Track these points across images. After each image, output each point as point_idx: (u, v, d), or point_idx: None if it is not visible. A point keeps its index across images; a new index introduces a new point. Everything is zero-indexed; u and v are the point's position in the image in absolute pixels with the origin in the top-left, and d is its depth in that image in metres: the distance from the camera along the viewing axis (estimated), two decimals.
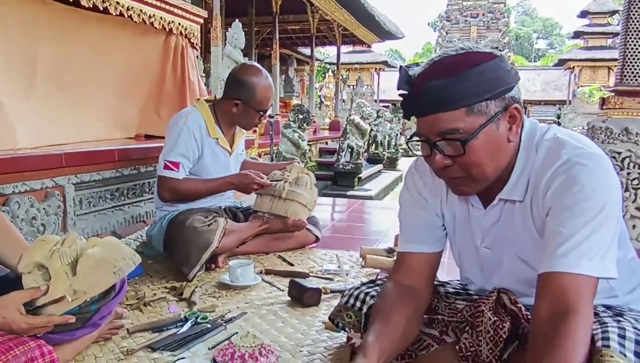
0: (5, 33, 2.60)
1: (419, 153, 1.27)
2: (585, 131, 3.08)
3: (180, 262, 2.39)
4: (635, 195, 2.59)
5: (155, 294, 2.16)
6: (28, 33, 2.74)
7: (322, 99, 20.48)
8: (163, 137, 2.72)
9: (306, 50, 18.71)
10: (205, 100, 2.78)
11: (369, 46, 22.49)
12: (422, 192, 1.42)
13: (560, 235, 1.09)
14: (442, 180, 1.30)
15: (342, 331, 1.67)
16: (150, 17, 3.32)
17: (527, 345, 1.23)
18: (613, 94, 2.91)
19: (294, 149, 7.78)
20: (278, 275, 2.44)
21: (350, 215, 4.39)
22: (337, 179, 9.52)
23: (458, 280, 1.59)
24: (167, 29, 3.57)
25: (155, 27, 3.42)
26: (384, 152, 12.65)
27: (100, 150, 2.83)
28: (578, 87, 24.90)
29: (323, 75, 26.63)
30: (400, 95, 1.23)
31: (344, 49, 20.46)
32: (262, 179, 2.66)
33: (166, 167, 2.54)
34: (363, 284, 1.58)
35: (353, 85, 19.67)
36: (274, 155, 7.32)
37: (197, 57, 4.12)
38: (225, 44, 5.67)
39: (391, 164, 13.30)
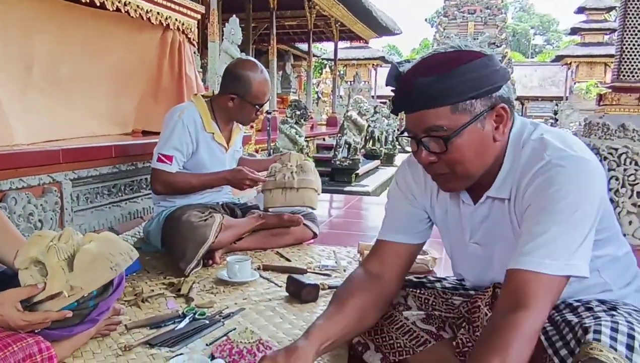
0: (2, 29, 2.59)
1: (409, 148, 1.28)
2: (582, 127, 3.09)
3: (177, 257, 2.38)
4: (632, 191, 2.60)
5: (153, 290, 2.16)
6: (24, 29, 2.73)
7: (320, 95, 20.46)
8: (159, 133, 2.72)
9: (303, 46, 18.68)
10: (203, 96, 2.77)
11: (367, 42, 22.47)
12: (411, 186, 1.44)
13: (530, 233, 1.11)
14: None
15: None
16: (147, 12, 3.31)
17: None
18: (610, 90, 2.91)
19: (291, 144, 7.77)
20: (276, 271, 2.44)
21: (348, 211, 4.40)
22: (334, 175, 9.52)
23: (454, 276, 1.60)
24: (164, 25, 3.56)
25: (152, 23, 3.42)
26: (381, 148, 12.66)
27: (98, 146, 2.83)
28: (575, 83, 24.95)
29: (320, 71, 26.58)
30: (392, 90, 1.25)
31: (342, 44, 20.41)
32: (256, 175, 2.66)
33: (159, 160, 2.55)
34: None
35: (350, 81, 19.68)
36: (271, 151, 7.32)
37: (194, 52, 4.12)
38: (223, 39, 5.66)
39: (388, 159, 13.32)
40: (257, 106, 2.66)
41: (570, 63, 26.47)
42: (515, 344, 1.02)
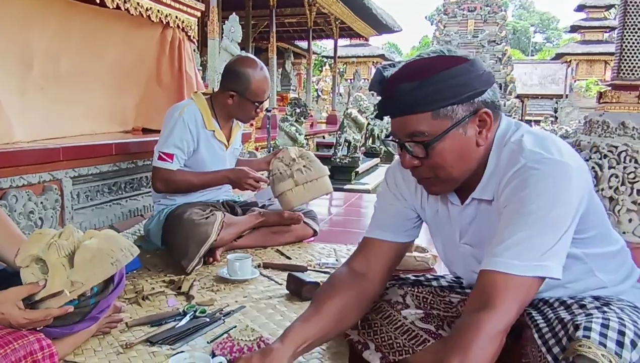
0: (1, 27, 2.58)
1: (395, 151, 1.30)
2: (582, 125, 3.09)
3: (179, 255, 2.39)
4: (632, 189, 2.60)
5: (153, 288, 2.16)
6: (24, 26, 2.73)
7: (319, 93, 20.43)
8: (160, 131, 2.72)
9: (303, 44, 18.65)
10: (203, 94, 2.77)
11: (367, 40, 22.41)
12: (400, 187, 1.44)
13: (501, 235, 1.12)
14: None
15: None
16: (147, 9, 3.31)
17: (521, 337, 1.25)
18: (610, 87, 2.91)
19: (291, 142, 7.77)
20: (276, 268, 2.44)
21: (348, 209, 4.40)
22: (334, 173, 9.49)
23: (451, 275, 1.61)
24: (164, 22, 3.55)
25: (152, 20, 3.41)
26: (381, 146, 12.65)
27: (98, 144, 2.83)
28: (575, 81, 24.96)
29: (320, 68, 26.56)
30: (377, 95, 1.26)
31: (341, 42, 20.39)
32: (257, 175, 2.66)
33: (160, 158, 2.54)
34: None
35: (350, 79, 19.63)
36: (271, 149, 7.32)
37: (194, 50, 4.12)
38: (222, 37, 5.65)
39: (388, 157, 13.31)
40: (256, 103, 2.65)
41: (570, 61, 26.46)
42: (476, 344, 1.03)
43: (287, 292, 2.14)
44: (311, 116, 12.31)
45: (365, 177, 10.09)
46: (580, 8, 26.07)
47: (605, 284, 1.27)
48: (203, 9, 4.08)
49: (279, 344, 1.22)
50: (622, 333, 1.02)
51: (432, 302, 1.52)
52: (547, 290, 1.28)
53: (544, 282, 1.12)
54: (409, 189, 1.42)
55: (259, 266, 2.45)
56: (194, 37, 3.95)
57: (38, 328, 1.34)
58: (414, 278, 1.62)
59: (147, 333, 1.71)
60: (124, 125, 3.59)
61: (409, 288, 1.54)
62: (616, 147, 2.63)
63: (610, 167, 2.61)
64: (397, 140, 1.24)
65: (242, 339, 1.53)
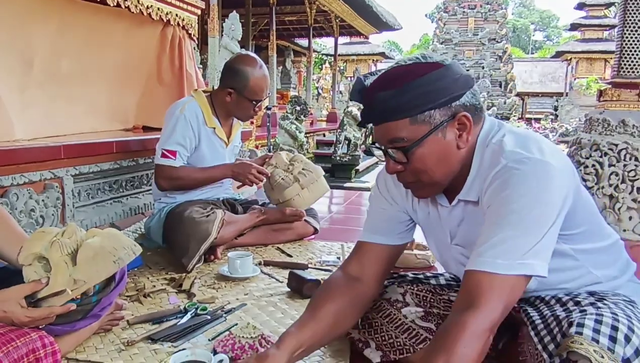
0: (1, 25, 2.58)
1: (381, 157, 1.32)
2: (582, 123, 3.08)
3: (179, 253, 2.39)
4: (632, 187, 2.60)
5: (154, 286, 2.16)
6: (24, 24, 2.72)
7: (320, 91, 20.43)
8: (161, 129, 2.72)
9: (303, 42, 18.65)
10: (203, 91, 2.77)
11: (367, 37, 22.43)
12: (391, 190, 1.45)
13: (484, 235, 1.13)
14: None
15: None
16: (147, 7, 3.30)
17: (518, 335, 1.26)
18: (610, 86, 2.91)
19: (291, 140, 7.78)
20: (277, 266, 2.45)
21: (348, 207, 4.41)
22: (334, 171, 9.50)
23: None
24: (165, 20, 3.55)
25: (153, 18, 3.41)
26: None
27: (99, 142, 2.83)
28: (575, 79, 24.95)
29: (320, 66, 26.54)
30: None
31: (342, 40, 20.38)
32: (260, 167, 2.67)
33: (163, 155, 2.54)
34: None
35: (350, 77, 19.62)
36: (271, 147, 7.32)
37: (195, 48, 4.11)
38: (223, 35, 5.65)
39: None
40: (254, 102, 2.65)
41: (570, 59, 26.46)
42: (461, 343, 1.03)
43: (288, 289, 2.14)
44: (311, 114, 12.31)
45: (365, 175, 10.09)
46: (581, 6, 26.07)
47: (600, 279, 1.28)
48: (203, 6, 4.07)
49: (275, 350, 1.23)
50: (615, 328, 1.03)
51: (431, 300, 1.52)
52: (542, 288, 1.28)
53: (533, 281, 1.14)
54: (399, 193, 1.43)
55: (259, 264, 2.46)
56: (194, 35, 3.94)
57: (40, 326, 1.34)
58: (412, 275, 1.63)
59: (149, 330, 1.72)
60: (125, 123, 3.59)
61: (409, 287, 1.54)
62: (616, 145, 2.63)
63: (610, 165, 2.61)
64: (379, 147, 1.26)
65: (243, 336, 1.53)
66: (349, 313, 1.38)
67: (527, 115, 26.30)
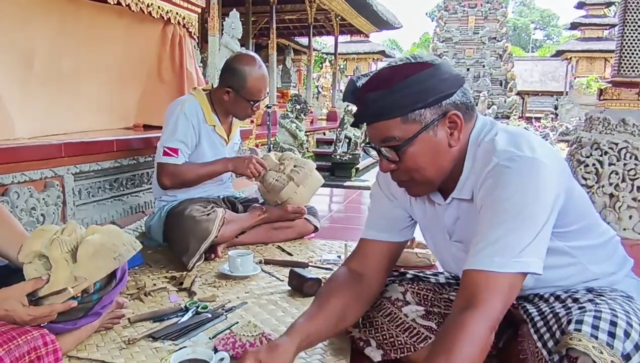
0: (1, 22, 2.58)
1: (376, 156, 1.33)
2: (582, 122, 3.09)
3: (180, 252, 2.39)
4: (632, 185, 2.60)
5: (155, 284, 2.17)
6: (25, 22, 2.72)
7: (320, 89, 20.42)
8: (161, 127, 2.73)
9: (303, 40, 18.64)
10: (202, 89, 2.78)
11: (367, 36, 22.40)
12: (390, 187, 1.46)
13: (479, 234, 1.15)
14: None
15: None
16: (148, 6, 3.30)
17: (519, 332, 1.26)
18: (610, 85, 2.91)
19: (292, 139, 7.78)
20: (277, 265, 2.45)
21: (348, 205, 4.41)
22: (334, 170, 9.51)
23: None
24: (165, 18, 3.55)
25: (153, 16, 3.41)
26: None
27: (99, 141, 2.83)
28: (575, 78, 24.94)
29: (320, 65, 26.53)
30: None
31: (342, 38, 20.37)
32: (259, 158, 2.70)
33: (165, 153, 2.54)
34: None
35: (350, 76, 19.56)
36: (272, 145, 7.33)
37: (195, 46, 4.11)
38: (223, 33, 5.66)
39: None
40: (251, 102, 2.64)
41: (571, 58, 26.45)
42: (461, 343, 1.04)
43: (289, 288, 2.14)
44: (311, 113, 12.31)
45: (365, 173, 10.10)
46: (581, 5, 26.05)
47: (597, 276, 1.29)
48: (204, 5, 4.08)
49: (285, 338, 1.26)
50: (614, 324, 1.03)
51: (432, 299, 1.53)
52: (540, 285, 1.29)
53: (530, 278, 1.15)
54: (399, 189, 1.44)
55: (260, 262, 2.46)
56: (194, 34, 3.95)
57: (42, 324, 1.34)
58: (413, 274, 1.63)
59: (150, 329, 1.72)
60: (125, 122, 3.59)
61: (409, 285, 1.55)
62: (616, 144, 2.63)
63: (610, 164, 2.62)
64: (373, 146, 1.28)
65: (244, 335, 1.54)
66: (354, 307, 1.41)
67: (528, 114, 26.30)
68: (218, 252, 2.54)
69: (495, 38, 24.13)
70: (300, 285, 2.09)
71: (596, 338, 1.01)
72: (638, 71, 2.79)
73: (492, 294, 1.08)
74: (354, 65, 25.05)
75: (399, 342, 1.48)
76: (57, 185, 2.47)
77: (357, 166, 9.65)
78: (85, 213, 2.70)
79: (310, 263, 2.46)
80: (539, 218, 1.11)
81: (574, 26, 27.31)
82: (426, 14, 58.12)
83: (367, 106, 1.23)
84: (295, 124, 7.78)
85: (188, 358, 1.38)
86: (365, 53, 27.89)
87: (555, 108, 24.47)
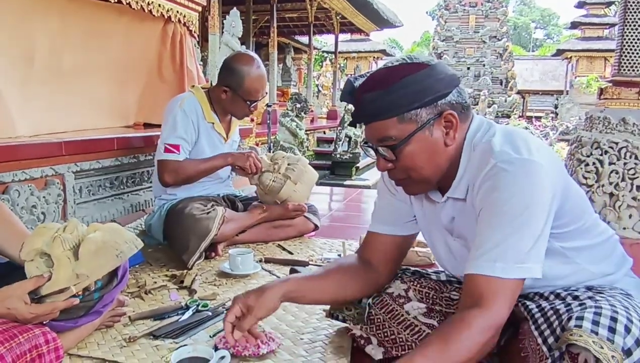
0: (2, 20, 2.59)
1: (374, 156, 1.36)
2: (582, 121, 3.08)
3: (180, 250, 2.40)
4: (632, 185, 2.60)
5: (155, 282, 2.17)
6: (25, 20, 2.73)
7: (320, 88, 20.41)
8: (161, 126, 2.73)
9: (304, 39, 18.65)
10: (201, 87, 2.78)
11: (367, 35, 22.43)
12: (393, 182, 1.47)
13: (480, 237, 1.18)
14: None
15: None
16: (148, 4, 3.31)
17: (520, 330, 1.27)
18: (610, 84, 2.91)
19: (292, 138, 7.77)
20: (278, 263, 2.45)
21: (348, 204, 4.41)
22: (334, 169, 9.51)
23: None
24: (166, 17, 3.56)
25: (154, 15, 3.41)
26: None
27: (100, 139, 2.84)
28: (575, 77, 24.92)
29: (321, 63, 26.50)
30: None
31: (342, 37, 20.37)
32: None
33: (167, 150, 2.54)
34: None
35: (351, 74, 19.54)
36: (272, 144, 7.32)
37: (195, 45, 4.12)
38: (223, 32, 5.66)
39: None
40: (248, 102, 2.64)
41: (571, 57, 26.44)
42: (460, 336, 1.08)
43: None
44: (312, 111, 12.31)
45: (365, 172, 10.09)
46: (581, 5, 26.04)
47: (596, 275, 1.30)
48: (204, 3, 4.08)
49: (275, 283, 1.37)
50: (614, 319, 1.04)
51: (434, 297, 1.53)
52: (539, 285, 1.29)
53: (528, 279, 1.17)
54: None
55: (260, 261, 2.46)
56: (195, 32, 3.95)
57: (44, 322, 1.35)
58: (415, 270, 1.64)
59: (150, 327, 1.72)
60: (126, 120, 3.60)
61: (412, 283, 1.55)
62: (617, 143, 2.63)
63: (610, 163, 2.61)
64: (370, 146, 1.30)
65: None
66: (354, 285, 1.48)
67: (528, 113, 26.29)
68: (218, 251, 2.55)
69: (495, 37, 24.13)
70: None
71: (596, 334, 1.01)
72: (638, 70, 2.79)
73: (498, 298, 1.11)
74: (354, 64, 25.03)
75: (400, 339, 1.48)
76: (58, 183, 2.48)
77: (358, 165, 9.64)
78: (85, 212, 2.70)
79: (310, 262, 2.47)
80: (538, 220, 1.13)
81: (574, 25, 27.29)
82: (427, 12, 58.12)
83: (364, 106, 1.25)
84: (295, 122, 7.78)
85: (189, 357, 1.39)
86: (365, 52, 27.88)
87: (556, 107, 24.48)
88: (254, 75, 2.61)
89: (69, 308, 1.37)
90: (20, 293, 1.30)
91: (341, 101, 1.37)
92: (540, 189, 1.13)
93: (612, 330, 1.02)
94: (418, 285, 1.55)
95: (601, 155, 2.64)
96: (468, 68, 24.45)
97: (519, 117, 22.52)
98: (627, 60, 2.82)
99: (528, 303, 1.27)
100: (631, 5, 2.78)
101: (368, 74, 1.30)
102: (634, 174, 2.59)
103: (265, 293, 1.33)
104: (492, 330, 1.11)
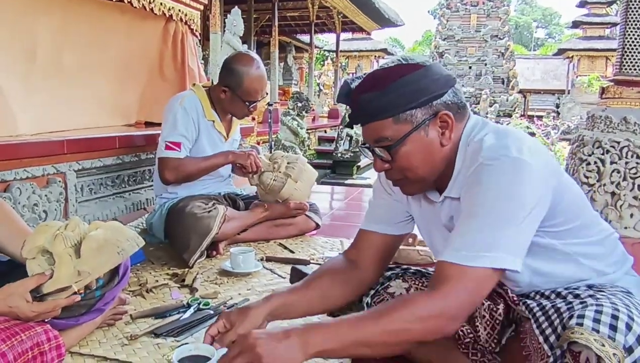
0: (4, 19, 2.59)
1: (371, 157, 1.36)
2: (584, 120, 3.08)
3: (181, 248, 2.40)
4: (633, 184, 2.60)
5: (157, 281, 2.17)
6: (27, 19, 2.73)
7: (321, 87, 20.40)
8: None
9: (305, 38, 18.62)
10: (202, 86, 2.78)
11: (369, 34, 22.40)
12: (390, 182, 1.47)
13: (455, 229, 1.19)
14: None
15: None
16: (150, 2, 3.31)
17: (521, 329, 1.27)
18: (612, 83, 2.91)
19: (293, 137, 7.78)
20: (279, 262, 2.46)
21: (349, 203, 4.41)
22: (335, 168, 9.52)
23: None
24: (167, 15, 3.56)
25: (155, 13, 3.41)
26: None
27: (102, 137, 2.84)
28: (577, 77, 24.88)
29: (322, 62, 26.50)
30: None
31: (344, 36, 20.37)
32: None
33: (168, 147, 2.54)
34: None
35: (352, 73, 19.54)
36: (273, 143, 7.33)
37: (197, 44, 4.11)
38: (224, 31, 5.65)
39: None
40: (247, 103, 2.64)
41: (572, 56, 26.38)
42: (399, 313, 1.09)
43: (290, 285, 2.14)
44: (313, 110, 12.30)
45: (366, 171, 10.10)
46: (582, 4, 25.98)
47: (597, 273, 1.29)
48: (206, 2, 4.08)
49: (259, 302, 1.33)
50: (615, 317, 1.03)
51: None
52: (537, 283, 1.29)
53: (526, 276, 1.19)
54: None
55: (262, 259, 2.46)
56: (196, 31, 3.95)
57: (45, 320, 1.35)
58: (416, 269, 1.64)
59: (152, 325, 1.73)
60: (127, 118, 3.60)
61: (413, 282, 1.55)
62: (618, 143, 2.63)
63: (612, 163, 2.61)
64: (367, 147, 1.31)
65: None
66: (339, 288, 1.44)
67: (529, 113, 26.23)
68: (219, 249, 2.55)
69: (497, 36, 24.09)
70: None
71: (598, 331, 1.01)
72: None
73: (454, 285, 1.11)
74: (355, 63, 25.03)
75: None
76: (60, 181, 2.48)
77: (359, 164, 9.65)
78: (87, 210, 2.70)
79: (311, 261, 2.47)
80: (515, 215, 1.12)
81: (575, 25, 27.23)
82: (428, 11, 58.12)
83: (360, 107, 1.26)
84: (296, 121, 7.78)
85: (190, 355, 1.38)
86: (367, 50, 27.83)
87: (557, 106, 24.42)
88: (253, 76, 2.60)
89: (70, 306, 1.37)
90: (22, 291, 1.30)
91: (337, 102, 1.38)
92: (523, 186, 1.13)
93: (613, 327, 1.02)
94: (420, 284, 1.54)
95: (603, 154, 2.64)
96: (469, 67, 24.41)
97: (521, 116, 22.47)
98: (629, 59, 2.81)
99: (529, 302, 1.27)
100: (633, 5, 2.78)
101: (363, 76, 1.31)
102: (635, 173, 2.59)
103: (249, 312, 1.30)
104: (443, 317, 1.10)
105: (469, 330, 1.36)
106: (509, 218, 1.12)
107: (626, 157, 2.61)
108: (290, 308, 1.36)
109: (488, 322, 1.34)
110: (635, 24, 2.78)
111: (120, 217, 2.92)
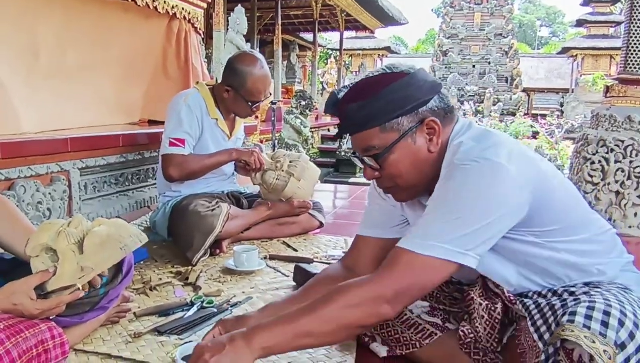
0: (7, 17, 2.59)
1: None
2: (588, 119, 3.08)
3: (184, 247, 2.40)
4: (637, 183, 2.59)
5: (160, 279, 2.18)
6: (30, 17, 2.73)
7: (325, 85, 20.39)
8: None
9: (308, 36, 18.61)
10: (206, 84, 2.78)
11: (372, 32, 22.36)
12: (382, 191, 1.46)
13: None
14: None
15: None
16: (153, 0, 3.31)
17: (517, 327, 1.27)
18: (616, 82, 2.90)
19: (296, 135, 7.78)
20: (282, 260, 2.46)
21: (353, 201, 4.41)
22: (338, 166, 9.52)
23: None
24: (171, 13, 3.56)
25: (159, 11, 3.42)
26: None
27: (105, 135, 2.84)
28: (581, 75, 24.81)
29: (325, 61, 26.47)
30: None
31: (347, 34, 20.36)
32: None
33: (172, 144, 2.54)
34: None
35: (356, 72, 19.56)
36: (276, 141, 7.32)
37: (200, 42, 4.12)
38: (228, 29, 5.64)
39: None
40: (250, 103, 2.64)
41: (576, 55, 26.31)
42: (334, 302, 1.12)
43: (294, 283, 2.15)
44: (316, 109, 12.29)
45: None
46: (586, 2, 25.90)
47: (593, 271, 1.29)
48: (209, 0, 4.08)
49: (256, 313, 1.34)
50: (607, 313, 1.03)
51: (437, 295, 1.53)
52: (538, 282, 1.29)
53: (516, 277, 1.22)
54: None
55: (265, 258, 2.47)
56: (200, 29, 3.95)
57: (50, 317, 1.35)
58: None
59: (155, 323, 1.73)
60: (131, 117, 3.60)
61: None
62: (622, 141, 2.62)
63: (616, 161, 2.60)
64: (357, 156, 1.32)
65: None
66: None
67: (533, 111, 26.19)
68: (223, 247, 2.55)
69: (501, 34, 24.04)
70: (305, 281, 2.05)
71: (589, 328, 1.01)
72: None
73: (397, 268, 1.13)
74: (359, 61, 25.02)
75: (404, 338, 1.48)
76: (63, 179, 2.49)
77: None
78: (90, 208, 2.71)
79: (315, 259, 2.47)
80: (480, 215, 1.12)
81: (579, 23, 27.16)
82: (432, 10, 57.94)
83: (347, 117, 1.27)
84: (300, 119, 7.79)
85: None
86: (370, 49, 27.80)
87: (561, 105, 24.36)
88: (257, 76, 2.60)
89: (74, 304, 1.38)
90: (26, 288, 1.30)
91: (325, 113, 1.38)
92: (497, 189, 1.13)
93: (604, 324, 1.01)
94: None
95: (607, 153, 2.63)
96: (473, 66, 24.36)
97: (524, 115, 22.44)
98: (633, 58, 2.81)
99: (526, 300, 1.27)
100: (637, 3, 2.77)
101: (350, 86, 1.32)
102: (639, 172, 2.58)
103: (245, 320, 1.30)
104: (379, 301, 1.11)
105: (469, 330, 1.36)
106: (474, 216, 1.12)
107: (630, 156, 2.60)
108: None
109: (487, 322, 1.34)
110: None
111: (124, 215, 2.93)
